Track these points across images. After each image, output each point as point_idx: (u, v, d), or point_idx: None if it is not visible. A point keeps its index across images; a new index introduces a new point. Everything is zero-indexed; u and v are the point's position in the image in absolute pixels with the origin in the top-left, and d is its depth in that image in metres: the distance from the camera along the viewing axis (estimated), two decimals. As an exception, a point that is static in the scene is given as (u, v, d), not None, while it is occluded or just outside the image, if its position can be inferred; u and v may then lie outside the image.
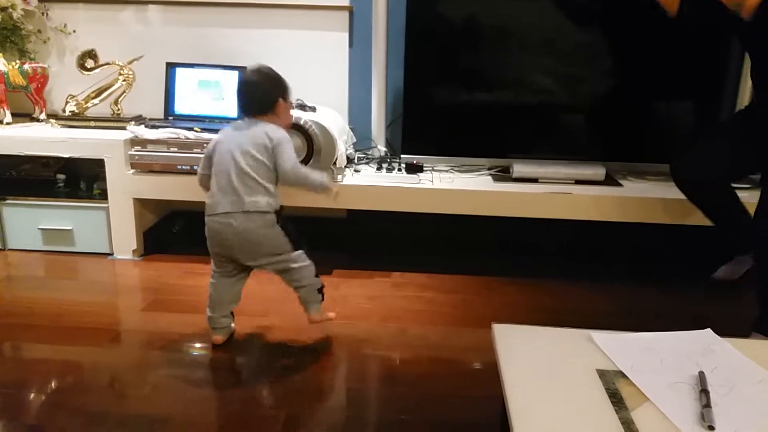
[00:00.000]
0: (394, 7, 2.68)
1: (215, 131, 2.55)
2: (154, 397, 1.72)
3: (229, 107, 2.78)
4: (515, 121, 2.72)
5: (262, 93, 1.89)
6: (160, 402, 1.70)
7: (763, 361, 1.05)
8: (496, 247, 2.92)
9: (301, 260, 1.97)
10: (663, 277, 2.63)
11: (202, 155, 1.97)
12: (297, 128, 2.37)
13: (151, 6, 2.88)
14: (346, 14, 2.81)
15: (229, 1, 2.83)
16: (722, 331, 1.12)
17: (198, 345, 2.01)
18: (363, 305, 2.29)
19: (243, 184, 1.82)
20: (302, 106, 2.49)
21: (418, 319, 2.20)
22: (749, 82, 2.66)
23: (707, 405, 0.91)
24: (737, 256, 2.37)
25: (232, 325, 2.04)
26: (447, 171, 2.72)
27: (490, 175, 2.70)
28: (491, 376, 0.99)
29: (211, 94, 2.81)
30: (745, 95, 2.69)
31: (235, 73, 2.77)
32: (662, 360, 1.04)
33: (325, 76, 2.88)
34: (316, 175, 1.93)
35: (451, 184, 2.55)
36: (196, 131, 2.55)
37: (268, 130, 1.84)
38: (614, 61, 2.68)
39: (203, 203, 1.92)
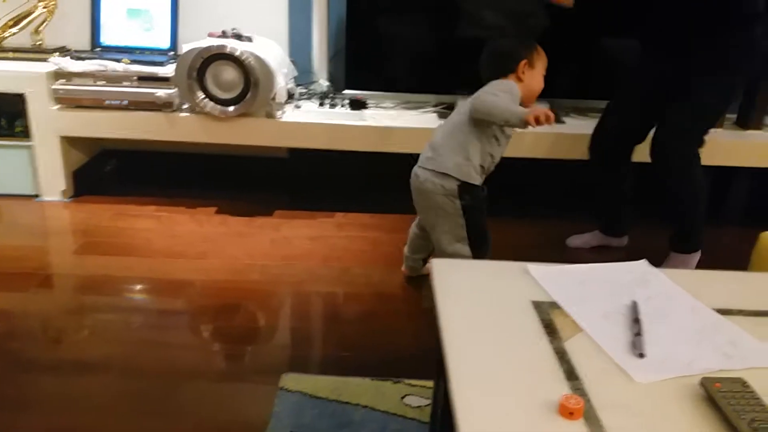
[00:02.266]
0: (335, -68, 2.54)
1: (146, 63, 2.43)
2: (89, 342, 1.65)
3: (160, 37, 2.61)
4: (462, 57, 2.64)
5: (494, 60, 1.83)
6: (96, 347, 1.63)
7: (695, 290, 1.05)
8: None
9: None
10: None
11: (132, 89, 1.81)
12: (232, 60, 2.25)
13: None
14: (285, -61, 2.65)
15: None
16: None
17: (134, 288, 1.94)
18: (305, 245, 2.24)
19: None
20: (238, 36, 2.36)
21: (361, 258, 2.17)
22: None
23: (638, 333, 0.91)
24: (598, 233, 2.36)
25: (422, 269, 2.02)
26: (392, 108, 2.65)
27: (435, 112, 2.64)
28: (432, 311, 0.97)
29: (141, 23, 2.63)
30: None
31: (166, 1, 2.59)
32: (597, 291, 1.03)
33: (263, 3, 2.72)
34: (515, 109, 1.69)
35: (395, 122, 2.48)
36: (126, 63, 2.39)
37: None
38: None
39: (135, 141, 1.80)
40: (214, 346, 1.69)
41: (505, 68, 1.76)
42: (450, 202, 1.75)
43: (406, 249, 2.02)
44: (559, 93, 2.67)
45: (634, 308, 0.97)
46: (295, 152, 2.78)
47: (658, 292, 1.03)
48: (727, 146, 2.50)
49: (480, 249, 1.79)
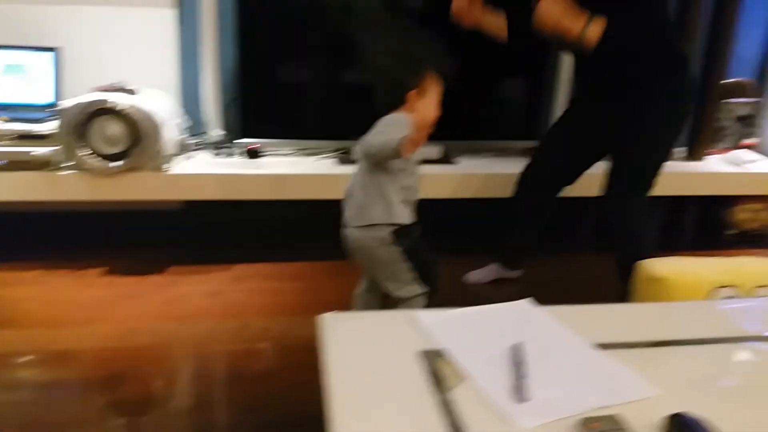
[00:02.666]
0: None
1: (26, 120, 2.29)
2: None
3: (41, 93, 2.48)
4: (358, 101, 2.67)
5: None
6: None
7: (577, 326, 1.07)
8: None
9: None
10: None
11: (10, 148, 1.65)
12: (115, 114, 2.17)
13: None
14: (171, -11, 2.60)
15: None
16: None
17: (15, 363, 1.78)
18: (201, 303, 2.15)
19: None
20: (122, 89, 2.28)
21: (261, 311, 2.10)
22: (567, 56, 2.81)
23: (522, 377, 0.90)
24: (495, 266, 2.42)
25: None
26: (290, 155, 2.62)
27: (334, 157, 2.64)
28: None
29: (20, 79, 2.49)
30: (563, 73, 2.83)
31: (47, 55, 2.47)
32: (483, 334, 1.03)
33: (152, 55, 2.64)
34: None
35: (293, 169, 2.46)
36: (3, 120, 2.25)
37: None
38: (450, 42, 2.70)
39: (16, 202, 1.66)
40: (105, 421, 1.57)
41: (395, 102, 1.70)
42: (389, 251, 1.66)
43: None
44: (453, 135, 2.75)
45: (517, 350, 0.97)
46: (190, 204, 2.69)
47: (541, 331, 1.04)
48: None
49: (429, 283, 1.72)
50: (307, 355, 1.85)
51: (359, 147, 1.67)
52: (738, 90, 3.11)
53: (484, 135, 2.78)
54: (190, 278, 2.32)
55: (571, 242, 2.91)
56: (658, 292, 1.54)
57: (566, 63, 2.81)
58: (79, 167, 2.25)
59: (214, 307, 2.12)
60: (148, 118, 2.20)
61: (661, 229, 2.99)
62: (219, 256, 2.49)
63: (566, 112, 2.26)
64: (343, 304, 2.16)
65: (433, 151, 2.62)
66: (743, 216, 2.99)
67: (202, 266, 2.41)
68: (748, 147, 3.10)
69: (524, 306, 1.12)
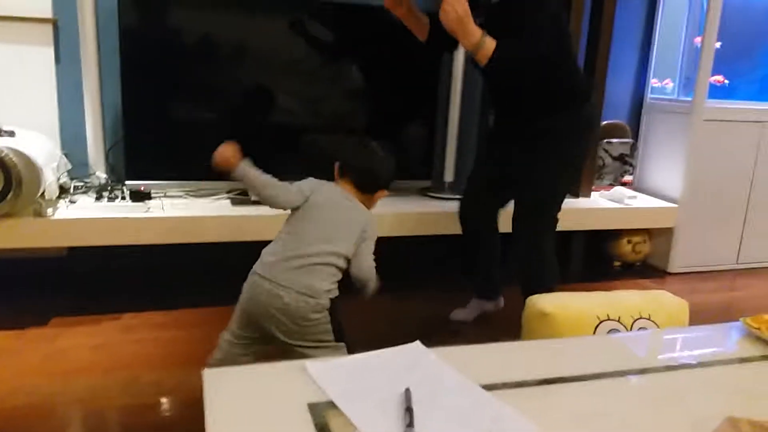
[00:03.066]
0: (106, 20, 2.44)
1: None
2: None
3: None
4: (250, 141, 2.63)
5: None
6: None
7: (465, 367, 1.08)
8: (237, 273, 2.79)
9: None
10: (420, 287, 2.76)
11: None
12: (-13, 158, 2.02)
13: None
14: (49, 27, 2.48)
15: None
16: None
17: None
18: (86, 356, 2.01)
19: None
20: (-4, 132, 2.14)
21: (152, 363, 1.99)
22: (457, 99, 2.93)
23: (410, 424, 0.90)
24: (476, 300, 2.50)
25: None
26: (180, 197, 2.54)
27: (228, 198, 2.58)
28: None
29: None
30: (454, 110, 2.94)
31: None
32: (372, 382, 1.02)
33: (29, 96, 2.51)
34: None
35: (184, 211, 2.38)
36: None
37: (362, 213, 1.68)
38: (351, 83, 2.74)
39: None
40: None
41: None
42: (322, 315, 1.57)
43: None
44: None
45: (406, 396, 0.96)
46: (75, 250, 2.54)
47: (429, 374, 1.04)
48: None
49: (343, 340, 1.63)
50: (201, 407, 1.78)
51: (365, 277, 1.63)
52: (614, 131, 3.35)
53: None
54: (75, 330, 2.17)
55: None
56: (546, 327, 1.59)
57: (455, 107, 2.93)
58: (-53, 214, 2.07)
59: (101, 361, 1.98)
60: (27, 162, 2.06)
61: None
62: (106, 305, 2.35)
63: (486, 142, 2.36)
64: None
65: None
66: (626, 248, 3.18)
67: (87, 317, 2.26)
68: (626, 184, 3.32)
69: (413, 349, 1.12)
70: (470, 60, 2.10)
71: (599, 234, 3.18)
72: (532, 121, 2.10)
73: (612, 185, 3.29)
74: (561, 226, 2.85)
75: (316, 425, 0.92)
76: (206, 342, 2.14)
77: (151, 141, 2.48)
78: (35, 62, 2.49)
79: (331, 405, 0.96)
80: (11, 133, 2.18)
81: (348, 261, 1.62)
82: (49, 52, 2.50)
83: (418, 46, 2.14)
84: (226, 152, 1.67)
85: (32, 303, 2.36)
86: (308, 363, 1.06)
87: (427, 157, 2.92)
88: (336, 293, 1.61)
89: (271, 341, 1.60)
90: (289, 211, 1.68)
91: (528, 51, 1.92)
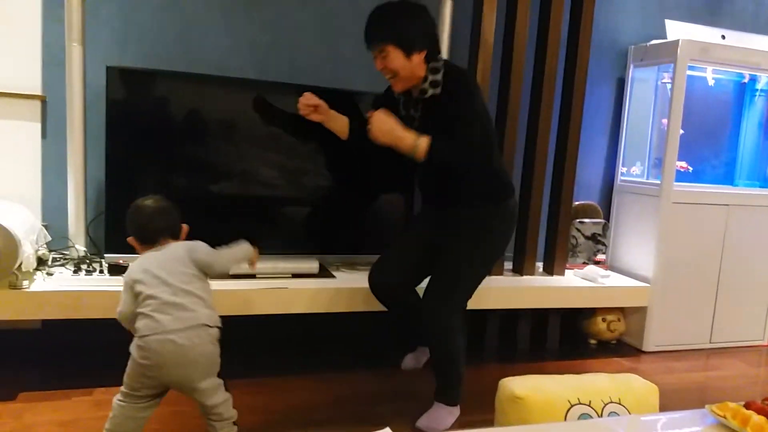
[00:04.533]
0: (93, 97, 2.51)
1: None
2: None
3: None
4: (232, 214, 2.67)
5: (173, 219, 1.93)
6: None
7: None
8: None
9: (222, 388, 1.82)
10: (377, 363, 2.75)
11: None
12: (-33, 230, 2.03)
13: None
14: (37, 103, 2.55)
15: None
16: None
17: None
18: (53, 434, 1.96)
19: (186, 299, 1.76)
20: (-23, 204, 2.16)
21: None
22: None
23: None
24: (420, 347, 2.56)
25: None
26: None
27: (204, 271, 2.59)
28: None
29: None
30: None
31: None
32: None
33: (14, 169, 2.54)
34: (238, 250, 2.00)
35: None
36: None
37: (179, 245, 1.87)
38: (328, 159, 2.81)
39: None
40: None
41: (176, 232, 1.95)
42: (215, 348, 1.80)
43: None
44: (331, 249, 2.81)
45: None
46: (49, 323, 2.52)
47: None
48: (508, 291, 2.87)
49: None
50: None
51: (212, 265, 1.88)
52: (587, 212, 3.45)
53: (359, 249, 2.86)
54: (44, 405, 2.13)
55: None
56: (518, 411, 1.60)
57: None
58: None
59: (68, 439, 1.94)
60: (5, 233, 2.07)
61: (528, 340, 3.14)
62: (78, 379, 2.31)
63: (412, 220, 2.44)
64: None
65: (311, 265, 2.66)
66: (601, 327, 3.22)
67: (57, 391, 2.22)
68: (599, 263, 3.39)
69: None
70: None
71: (574, 312, 3.22)
72: (459, 208, 2.22)
73: (585, 263, 3.36)
74: (535, 304, 2.93)
75: None
76: (173, 420, 2.12)
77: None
78: (22, 136, 2.54)
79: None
80: (-8, 206, 2.20)
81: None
82: (36, 127, 2.56)
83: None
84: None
85: (5, 375, 2.31)
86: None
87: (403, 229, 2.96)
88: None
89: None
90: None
91: (460, 144, 2.05)
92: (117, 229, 2.47)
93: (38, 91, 2.55)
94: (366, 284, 2.35)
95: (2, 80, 2.50)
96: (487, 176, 2.20)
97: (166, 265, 1.79)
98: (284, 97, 2.59)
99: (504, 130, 2.98)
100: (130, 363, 1.76)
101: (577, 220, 3.37)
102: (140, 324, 1.73)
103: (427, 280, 2.25)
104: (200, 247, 1.88)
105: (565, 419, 1.60)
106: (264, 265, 2.56)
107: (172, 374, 1.74)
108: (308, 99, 2.24)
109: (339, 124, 2.29)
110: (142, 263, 1.80)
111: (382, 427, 1.16)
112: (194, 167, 2.58)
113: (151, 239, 1.87)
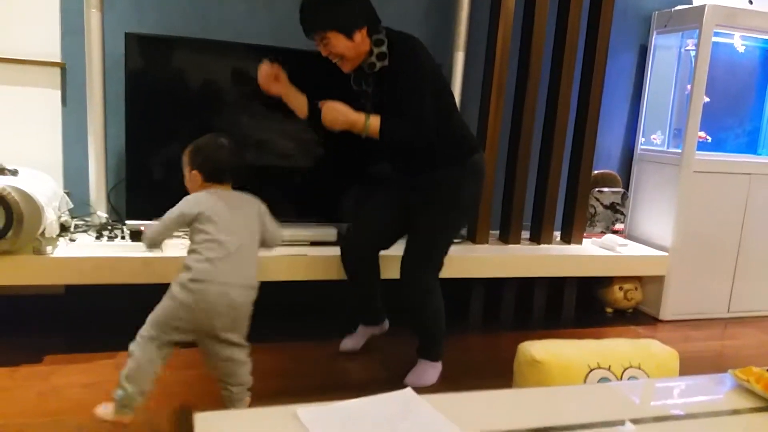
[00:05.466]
0: (112, 65, 2.51)
1: None
2: None
3: None
4: (253, 183, 2.68)
5: (242, 161, 1.92)
6: None
7: (457, 415, 1.10)
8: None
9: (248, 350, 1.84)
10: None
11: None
12: (-8, 196, 2.06)
13: None
14: (57, 71, 2.56)
15: None
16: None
17: None
18: (78, 395, 2.01)
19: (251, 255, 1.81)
20: (1, 170, 2.18)
21: (145, 403, 1.99)
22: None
23: (402, 471, 0.92)
24: (363, 327, 2.54)
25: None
26: (180, 236, 2.56)
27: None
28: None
29: None
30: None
31: None
32: (364, 427, 1.04)
33: (35, 136, 2.57)
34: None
35: (182, 251, 2.40)
36: None
37: (254, 201, 1.88)
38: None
39: None
40: None
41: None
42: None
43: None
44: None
45: (398, 443, 0.98)
46: (72, 288, 2.56)
47: (421, 421, 1.06)
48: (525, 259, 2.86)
49: None
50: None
51: (277, 238, 1.93)
52: (605, 180, 3.42)
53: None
54: (68, 368, 2.18)
55: (462, 324, 3.00)
56: (537, 374, 1.62)
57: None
58: (-52, 250, 2.10)
59: (94, 399, 1.96)
60: (28, 200, 2.10)
61: (546, 309, 3.15)
62: (101, 343, 2.35)
63: (381, 187, 2.42)
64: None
65: (329, 233, 2.67)
66: (618, 295, 3.21)
67: (82, 355, 2.27)
68: (617, 232, 3.37)
69: (405, 396, 1.14)
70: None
71: (591, 281, 3.21)
72: (427, 172, 2.22)
73: (603, 233, 3.34)
74: (552, 273, 2.93)
75: (309, 470, 0.94)
76: (197, 384, 2.16)
77: (152, 182, 2.52)
78: (42, 104, 2.56)
79: (324, 450, 0.98)
80: (14, 172, 2.22)
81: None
82: (57, 94, 2.57)
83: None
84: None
85: (27, 340, 2.36)
86: (300, 409, 1.08)
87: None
88: None
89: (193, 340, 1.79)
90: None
91: (410, 121, 2.06)
92: (138, 196, 2.50)
93: (58, 59, 2.55)
94: (394, 252, 2.38)
95: (23, 47, 2.50)
96: (447, 140, 2.20)
97: (240, 217, 1.79)
98: (302, 63, 2.58)
99: (524, 98, 2.95)
100: (167, 303, 1.74)
101: (596, 189, 3.35)
102: (197, 265, 1.72)
103: (396, 247, 2.30)
104: (268, 212, 1.90)
105: (585, 383, 1.61)
106: (284, 233, 2.58)
107: (216, 323, 1.72)
108: (265, 69, 2.13)
109: (298, 101, 2.21)
110: (211, 200, 1.78)
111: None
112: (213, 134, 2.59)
113: (220, 177, 1.85)
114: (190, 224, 1.77)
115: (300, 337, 2.64)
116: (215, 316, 1.72)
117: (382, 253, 2.39)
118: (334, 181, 2.79)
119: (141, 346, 1.77)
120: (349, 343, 2.51)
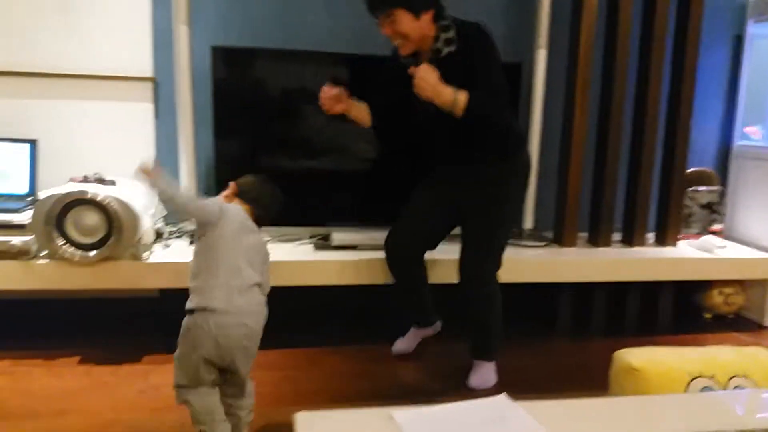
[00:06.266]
0: (200, 77, 2.61)
1: (3, 211, 2.28)
2: None
3: (18, 184, 2.49)
4: (331, 188, 2.72)
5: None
6: None
7: (553, 423, 1.06)
8: (319, 317, 2.85)
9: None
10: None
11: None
12: (94, 205, 2.18)
13: None
14: (149, 85, 2.69)
15: (25, 70, 2.59)
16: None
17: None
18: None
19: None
20: (100, 180, 2.30)
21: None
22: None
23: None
24: (414, 329, 2.52)
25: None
26: (267, 241, 2.63)
27: (311, 243, 2.66)
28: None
29: (-3, 169, 2.51)
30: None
31: (24, 147, 2.50)
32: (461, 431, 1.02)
33: (130, 148, 2.70)
34: None
35: (271, 256, 2.46)
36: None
37: (262, 236, 1.88)
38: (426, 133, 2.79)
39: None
40: None
41: None
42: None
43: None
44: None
45: (494, 450, 0.96)
46: (166, 291, 2.67)
47: (516, 428, 1.03)
48: (617, 263, 2.76)
49: None
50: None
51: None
52: (701, 179, 3.25)
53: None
54: (166, 367, 2.25)
55: (550, 330, 2.92)
56: (635, 382, 1.54)
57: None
58: (54, 256, 2.23)
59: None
60: (127, 209, 2.21)
61: (639, 314, 3.02)
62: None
63: (424, 183, 2.36)
64: (322, 394, 2.13)
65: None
66: (717, 300, 3.04)
67: (176, 356, 2.35)
68: (715, 233, 3.19)
69: (500, 402, 1.12)
70: (423, 111, 2.13)
71: (688, 285, 3.05)
72: (478, 166, 2.18)
73: (700, 234, 3.17)
74: (647, 277, 2.80)
75: (404, 475, 0.93)
76: (284, 384, 2.20)
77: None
78: (137, 117, 2.69)
79: (419, 455, 0.97)
80: (113, 183, 2.34)
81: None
82: (149, 107, 2.70)
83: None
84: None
85: (127, 341, 2.48)
86: (395, 411, 1.08)
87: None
88: None
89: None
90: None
91: (493, 95, 2.02)
92: (227, 203, 2.58)
93: (149, 74, 2.68)
94: (440, 257, 2.35)
95: (118, 64, 2.64)
96: (509, 131, 2.17)
97: (252, 252, 1.79)
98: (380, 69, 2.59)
99: (611, 95, 2.85)
100: (184, 350, 1.73)
101: (691, 188, 3.18)
102: (214, 293, 1.73)
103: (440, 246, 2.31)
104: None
105: (686, 392, 1.52)
106: (364, 236, 2.61)
107: (236, 355, 1.69)
108: (327, 92, 2.15)
109: (361, 113, 2.24)
110: (240, 218, 1.81)
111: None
112: (297, 141, 2.65)
113: (257, 213, 1.88)
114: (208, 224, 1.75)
115: (354, 341, 2.62)
116: (238, 350, 1.69)
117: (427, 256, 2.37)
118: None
119: (196, 394, 1.72)
120: (402, 345, 2.49)
